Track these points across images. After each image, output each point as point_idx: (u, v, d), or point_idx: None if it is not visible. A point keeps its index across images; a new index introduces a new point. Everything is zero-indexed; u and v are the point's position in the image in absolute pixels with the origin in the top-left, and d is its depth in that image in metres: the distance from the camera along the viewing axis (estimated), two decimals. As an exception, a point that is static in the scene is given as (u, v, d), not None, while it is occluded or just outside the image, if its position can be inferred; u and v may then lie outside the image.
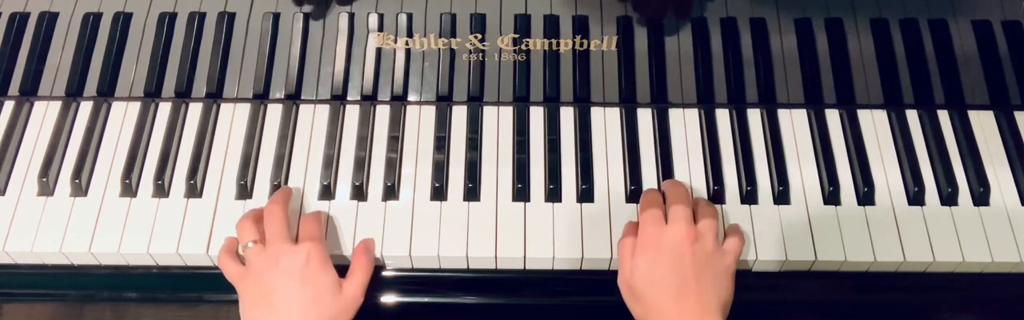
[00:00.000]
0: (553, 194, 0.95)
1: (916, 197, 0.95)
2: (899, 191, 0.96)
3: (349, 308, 0.86)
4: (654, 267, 0.85)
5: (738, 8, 1.01)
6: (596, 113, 1.01)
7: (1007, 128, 1.00)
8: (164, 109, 1.01)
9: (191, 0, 1.02)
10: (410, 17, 1.01)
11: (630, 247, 0.87)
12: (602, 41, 1.00)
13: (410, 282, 0.94)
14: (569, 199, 0.95)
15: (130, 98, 1.01)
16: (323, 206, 0.94)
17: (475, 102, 1.01)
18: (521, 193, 0.95)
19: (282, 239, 0.86)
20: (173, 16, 1.02)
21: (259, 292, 0.84)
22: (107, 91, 1.01)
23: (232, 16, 1.02)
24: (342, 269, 0.89)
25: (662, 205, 0.90)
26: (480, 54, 1.00)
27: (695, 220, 0.88)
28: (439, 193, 0.95)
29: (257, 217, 0.90)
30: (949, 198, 0.95)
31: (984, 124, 1.01)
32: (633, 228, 0.90)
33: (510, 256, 0.91)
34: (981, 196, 0.96)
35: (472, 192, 0.95)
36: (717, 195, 0.95)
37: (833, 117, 1.01)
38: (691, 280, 0.84)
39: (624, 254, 0.87)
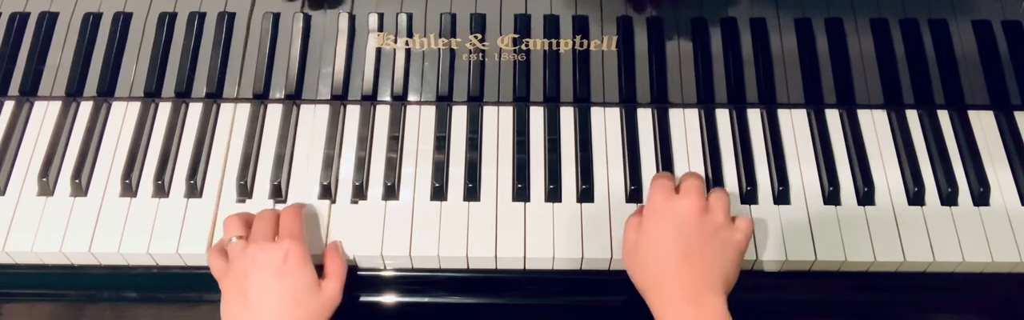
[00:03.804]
0: (553, 194, 0.95)
1: (916, 197, 0.95)
2: (899, 191, 0.96)
3: (329, 306, 0.86)
4: (659, 232, 0.85)
5: (738, 8, 1.01)
6: (596, 113, 1.01)
7: (1007, 128, 1.00)
8: (164, 109, 1.01)
9: (191, 0, 1.02)
10: (410, 17, 1.01)
11: (636, 224, 0.87)
12: (602, 41, 1.00)
13: (410, 282, 0.94)
14: (569, 199, 0.95)
15: (130, 98, 1.01)
16: (323, 206, 0.94)
17: (475, 102, 1.01)
18: (521, 193, 0.95)
19: (265, 237, 0.87)
20: (173, 16, 1.02)
21: (237, 288, 0.85)
22: (107, 91, 1.01)
23: (232, 16, 1.02)
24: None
25: (673, 181, 0.91)
26: (480, 54, 1.00)
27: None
28: (439, 193, 0.95)
29: (246, 216, 0.90)
30: (949, 198, 0.95)
31: (984, 124, 1.01)
32: (641, 211, 0.90)
33: (510, 256, 0.91)
34: (981, 196, 0.96)
35: (472, 192, 0.95)
36: (717, 195, 0.95)
37: (833, 117, 1.01)
38: (695, 248, 0.83)
39: (629, 229, 0.88)
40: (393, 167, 0.96)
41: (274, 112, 1.01)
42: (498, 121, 1.00)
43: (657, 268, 0.84)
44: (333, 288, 0.87)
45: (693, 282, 0.82)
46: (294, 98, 1.01)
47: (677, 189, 0.89)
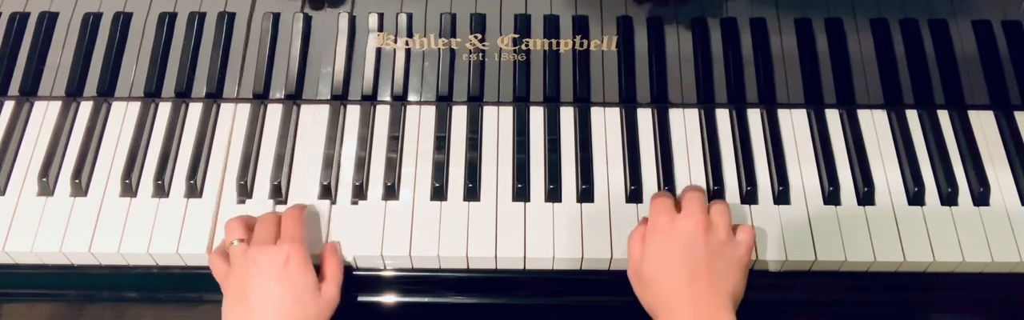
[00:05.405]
0: (553, 194, 0.95)
1: (916, 197, 0.95)
2: (899, 191, 0.96)
3: (329, 309, 0.86)
4: (665, 253, 0.85)
5: (738, 8, 1.01)
6: (596, 113, 1.01)
7: (1007, 128, 1.00)
8: (164, 109, 1.01)
9: (191, 0, 1.02)
10: (410, 17, 1.01)
11: (640, 237, 0.87)
12: (602, 41, 1.00)
13: (410, 282, 0.94)
14: (569, 199, 0.95)
15: (130, 98, 1.01)
16: (323, 206, 0.94)
17: (475, 102, 1.01)
18: (521, 193, 0.95)
19: (266, 240, 0.87)
20: (173, 16, 1.02)
21: (238, 290, 0.85)
22: (107, 91, 1.01)
23: (232, 16, 1.02)
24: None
25: (673, 198, 0.91)
26: (480, 54, 1.00)
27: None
28: (439, 193, 0.95)
29: (247, 219, 0.91)
30: (949, 198, 0.95)
31: (984, 124, 1.01)
32: (645, 221, 0.90)
33: (510, 256, 0.91)
34: (981, 196, 0.95)
35: (472, 192, 0.95)
36: (717, 195, 0.95)
37: (833, 117, 1.01)
38: (702, 267, 0.84)
39: (634, 244, 0.88)
40: (393, 167, 0.96)
41: (274, 112, 1.01)
42: (498, 121, 1.00)
43: (666, 289, 0.84)
44: (331, 290, 0.87)
45: (705, 302, 0.83)
46: (294, 98, 1.01)
47: (678, 205, 0.89)
